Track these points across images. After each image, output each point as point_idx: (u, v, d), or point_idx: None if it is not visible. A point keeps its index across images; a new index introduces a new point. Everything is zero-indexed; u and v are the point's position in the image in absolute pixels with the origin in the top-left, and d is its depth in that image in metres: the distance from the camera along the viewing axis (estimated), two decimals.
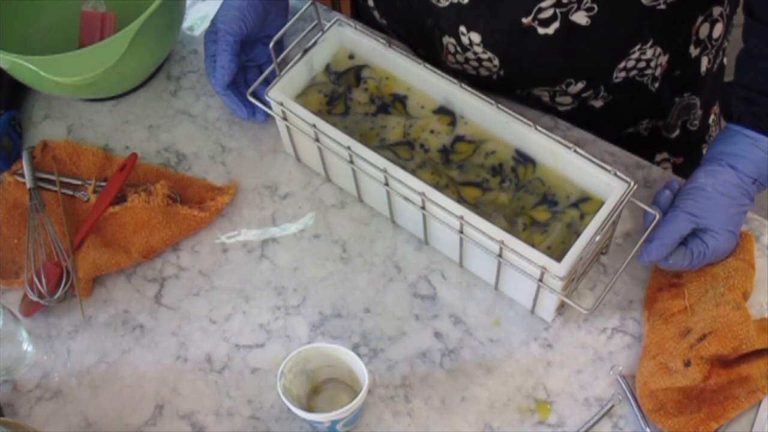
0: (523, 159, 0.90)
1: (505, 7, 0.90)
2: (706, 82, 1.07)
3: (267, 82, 0.94)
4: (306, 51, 0.95)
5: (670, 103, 1.06)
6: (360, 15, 1.18)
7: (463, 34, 0.94)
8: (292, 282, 0.95)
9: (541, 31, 0.91)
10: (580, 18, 0.90)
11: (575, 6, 0.88)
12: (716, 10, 0.99)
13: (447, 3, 0.93)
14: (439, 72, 0.92)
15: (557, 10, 0.89)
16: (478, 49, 0.95)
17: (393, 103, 0.96)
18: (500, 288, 0.92)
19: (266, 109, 0.95)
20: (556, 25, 0.90)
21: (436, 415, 0.86)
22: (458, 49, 0.97)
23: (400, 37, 1.09)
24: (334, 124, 0.90)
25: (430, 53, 1.04)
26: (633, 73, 0.99)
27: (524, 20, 0.90)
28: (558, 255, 0.83)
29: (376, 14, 1.10)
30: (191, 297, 0.95)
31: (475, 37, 0.94)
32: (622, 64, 0.97)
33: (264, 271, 0.96)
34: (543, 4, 0.88)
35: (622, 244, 0.94)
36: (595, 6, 0.89)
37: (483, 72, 1.00)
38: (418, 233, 0.95)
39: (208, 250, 0.98)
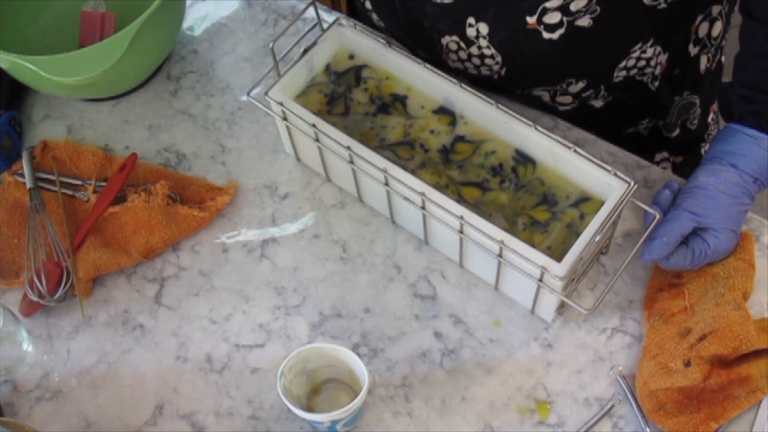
0: (523, 159, 0.90)
1: (511, 3, 0.90)
2: (705, 80, 1.07)
3: None
4: (306, 51, 0.95)
5: (670, 102, 1.06)
6: (358, 18, 1.18)
7: (471, 25, 0.93)
8: (292, 282, 0.95)
9: (545, 35, 0.91)
10: (584, 20, 0.90)
11: (582, 12, 0.89)
12: (715, 9, 0.99)
13: None
14: (439, 72, 0.92)
15: (564, 18, 0.89)
16: (483, 43, 0.95)
17: (393, 103, 0.96)
18: (500, 288, 0.92)
19: (266, 110, 0.95)
20: (561, 31, 0.90)
21: (436, 415, 0.86)
22: (461, 45, 0.97)
23: (399, 39, 1.09)
24: (334, 124, 0.90)
25: (430, 55, 1.03)
26: (633, 72, 0.99)
27: (529, 20, 0.90)
28: (558, 255, 0.83)
29: (374, 17, 1.10)
30: (191, 297, 0.95)
31: (483, 29, 0.93)
32: (622, 63, 0.97)
33: (264, 271, 0.96)
34: (548, 5, 0.88)
35: (622, 244, 0.94)
36: (598, 8, 0.89)
37: (484, 71, 1.00)
38: (418, 233, 0.95)
39: (208, 250, 0.98)
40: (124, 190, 0.99)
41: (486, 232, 0.82)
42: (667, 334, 0.86)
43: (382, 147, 0.93)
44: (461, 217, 0.83)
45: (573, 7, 0.88)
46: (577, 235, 0.82)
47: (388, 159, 0.87)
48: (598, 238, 0.81)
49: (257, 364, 0.91)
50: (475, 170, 0.91)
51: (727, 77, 0.94)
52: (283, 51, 0.98)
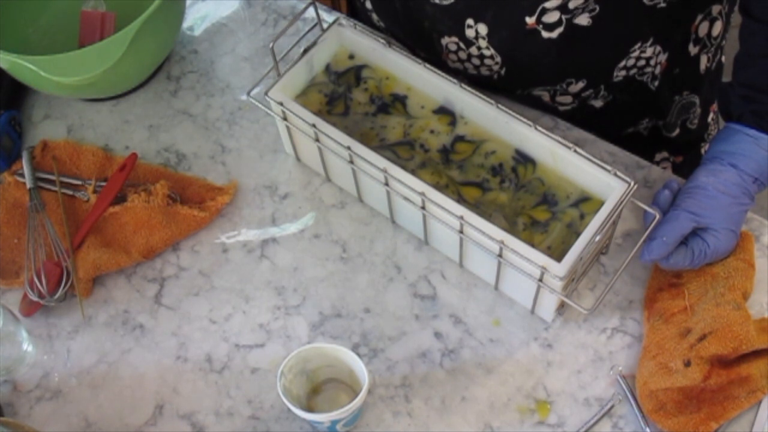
0: (523, 159, 0.90)
1: (511, 3, 0.90)
2: (705, 80, 1.07)
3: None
4: (306, 51, 0.95)
5: (670, 101, 1.06)
6: (358, 18, 1.18)
7: (470, 26, 0.94)
8: (292, 282, 0.95)
9: (545, 35, 0.91)
10: (582, 19, 0.90)
11: (580, 10, 0.89)
12: (715, 9, 0.99)
13: None
14: (439, 72, 0.92)
15: (563, 16, 0.89)
16: (482, 44, 0.95)
17: (393, 103, 0.96)
18: (500, 288, 0.92)
19: (266, 110, 0.95)
20: (560, 29, 0.90)
21: (436, 415, 0.86)
22: (460, 46, 0.97)
23: (399, 39, 1.09)
24: (334, 124, 0.90)
25: (429, 55, 1.03)
26: (633, 71, 0.99)
27: (528, 20, 0.90)
28: (558, 255, 0.83)
29: (374, 17, 1.10)
30: (191, 297, 0.95)
31: (482, 29, 0.93)
32: (622, 63, 0.97)
33: (264, 271, 0.96)
34: (547, 5, 0.88)
35: (622, 244, 0.94)
36: (597, 6, 0.89)
37: (484, 71, 1.00)
38: (418, 233, 0.95)
39: (208, 250, 0.98)
40: (124, 190, 0.99)
41: (486, 232, 0.82)
42: (667, 334, 0.86)
43: (382, 147, 0.93)
44: (461, 217, 0.83)
45: (571, 5, 0.88)
46: (577, 235, 0.82)
47: (388, 159, 0.87)
48: (598, 238, 0.81)
49: (257, 364, 0.91)
50: (475, 170, 0.91)
51: (727, 77, 0.94)
52: (283, 51, 0.98)
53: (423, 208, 0.87)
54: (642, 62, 0.98)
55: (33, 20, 1.10)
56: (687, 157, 1.15)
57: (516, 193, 0.89)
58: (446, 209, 0.84)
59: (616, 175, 0.84)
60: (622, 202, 0.83)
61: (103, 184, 1.00)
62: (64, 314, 0.95)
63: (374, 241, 0.96)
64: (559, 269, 0.80)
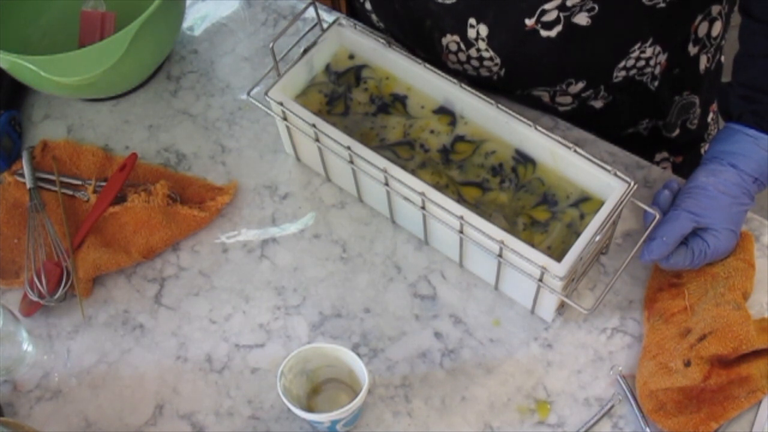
0: (523, 159, 0.90)
1: (511, 5, 0.90)
2: (705, 80, 1.07)
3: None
4: (306, 51, 0.95)
5: (670, 102, 1.06)
6: (358, 19, 1.18)
7: (472, 26, 0.94)
8: (292, 282, 0.95)
9: (543, 34, 0.91)
10: (581, 19, 0.90)
11: (578, 8, 0.89)
12: (715, 9, 0.99)
13: None
14: (439, 72, 0.92)
15: (561, 14, 0.89)
16: (482, 45, 0.95)
17: (393, 103, 0.96)
18: (500, 288, 0.92)
19: (266, 110, 0.95)
20: (558, 28, 0.91)
21: (436, 415, 0.86)
22: (461, 47, 0.97)
23: (399, 39, 1.09)
24: (334, 124, 0.90)
25: (429, 55, 1.03)
26: (633, 72, 0.99)
27: (527, 22, 0.90)
28: (558, 255, 0.83)
29: (374, 18, 1.10)
30: (191, 297, 0.95)
31: (483, 30, 0.93)
32: (622, 63, 0.97)
33: (264, 271, 0.96)
34: (547, 6, 0.88)
35: (622, 244, 0.94)
36: (596, 6, 0.89)
37: (483, 72, 1.00)
38: (418, 233, 0.95)
39: (208, 250, 0.98)
40: (124, 190, 0.99)
41: (486, 232, 0.82)
42: (667, 334, 0.86)
43: (382, 147, 0.93)
44: (461, 217, 0.83)
45: (569, 2, 0.88)
46: (577, 235, 0.82)
47: (388, 159, 0.87)
48: (598, 238, 0.81)
49: (257, 364, 0.91)
50: (475, 170, 0.91)
51: (727, 77, 0.94)
52: (283, 51, 0.98)
53: (423, 208, 0.87)
54: (642, 62, 0.98)
55: (33, 20, 1.10)
56: (687, 157, 1.15)
57: (516, 193, 0.89)
58: (446, 209, 0.84)
59: (616, 175, 0.84)
60: (622, 202, 0.83)
61: (103, 184, 1.00)
62: (64, 314, 0.95)
63: (374, 241, 0.96)
64: (559, 269, 0.80)
